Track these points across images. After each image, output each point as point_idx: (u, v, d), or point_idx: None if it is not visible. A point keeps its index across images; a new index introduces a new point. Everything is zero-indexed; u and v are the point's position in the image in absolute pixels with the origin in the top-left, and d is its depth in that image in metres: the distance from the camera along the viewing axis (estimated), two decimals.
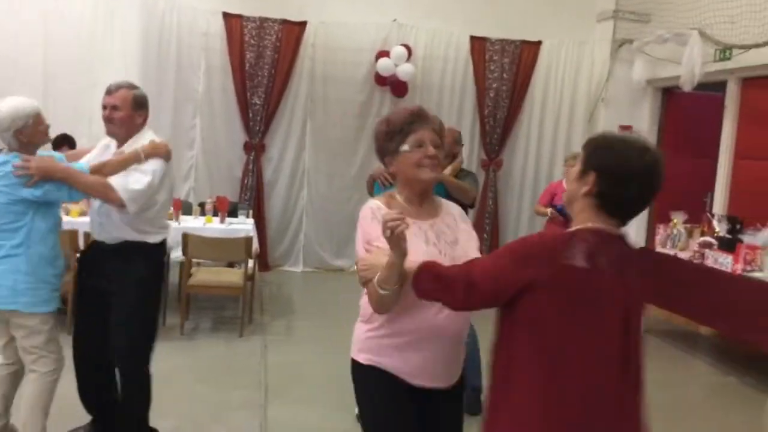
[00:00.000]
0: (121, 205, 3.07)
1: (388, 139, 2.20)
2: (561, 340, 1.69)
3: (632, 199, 1.75)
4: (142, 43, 7.51)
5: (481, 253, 2.21)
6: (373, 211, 2.16)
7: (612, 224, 1.77)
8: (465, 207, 4.05)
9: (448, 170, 4.16)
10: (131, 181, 3.09)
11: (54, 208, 3.16)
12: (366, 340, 2.19)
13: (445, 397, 2.20)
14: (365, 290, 2.09)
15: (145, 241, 3.26)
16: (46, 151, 3.24)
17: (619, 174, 1.73)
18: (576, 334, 1.69)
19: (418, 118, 2.18)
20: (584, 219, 1.77)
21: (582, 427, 1.69)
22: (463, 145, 4.51)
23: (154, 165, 3.16)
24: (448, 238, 2.19)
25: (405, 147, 2.16)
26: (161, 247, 3.37)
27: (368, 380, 2.17)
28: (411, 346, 2.11)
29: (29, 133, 3.02)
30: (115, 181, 3.07)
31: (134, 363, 3.25)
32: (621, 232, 1.80)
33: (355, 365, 2.22)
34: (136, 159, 3.13)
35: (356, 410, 4.03)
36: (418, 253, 2.02)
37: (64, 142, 6.21)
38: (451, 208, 2.32)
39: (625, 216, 1.79)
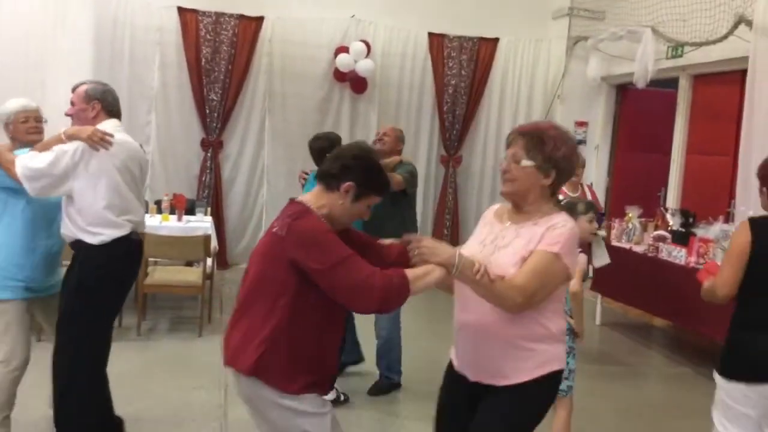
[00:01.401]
0: (20, 183, 2.99)
1: None
2: None
3: None
4: (94, 38, 7.32)
5: None
6: (487, 209, 2.46)
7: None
8: (399, 195, 4.21)
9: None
10: (32, 159, 3.00)
11: (19, 198, 3.10)
12: None
13: (486, 393, 2.26)
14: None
15: (83, 240, 3.08)
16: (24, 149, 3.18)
17: None
18: None
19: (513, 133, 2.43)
20: None
21: None
22: (404, 143, 4.73)
23: (67, 146, 3.03)
24: (500, 243, 2.25)
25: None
26: (104, 249, 3.09)
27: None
28: (457, 336, 2.34)
29: (13, 129, 3.30)
30: (19, 158, 3.01)
31: (65, 376, 3.11)
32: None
33: None
34: (58, 140, 3.07)
35: None
36: (468, 246, 2.34)
37: None
38: (547, 224, 2.19)
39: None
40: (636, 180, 7.89)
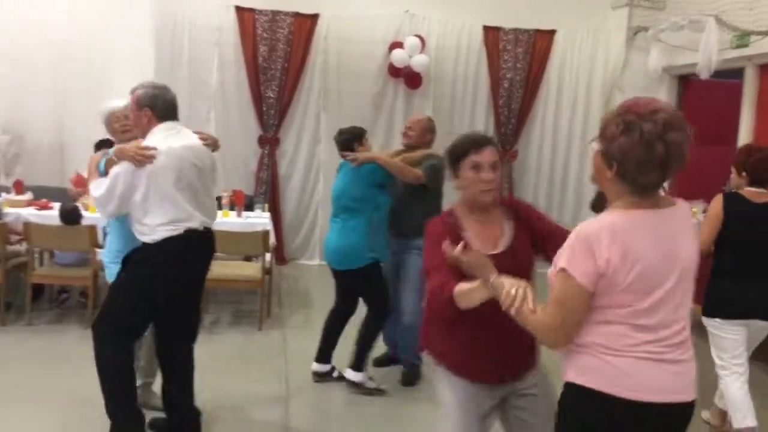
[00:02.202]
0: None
1: None
2: None
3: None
4: (155, 40, 7.52)
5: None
6: None
7: None
8: (419, 189, 4.26)
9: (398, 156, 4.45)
10: (94, 188, 3.29)
11: None
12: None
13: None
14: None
15: (143, 241, 3.29)
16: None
17: None
18: None
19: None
20: None
21: None
22: (435, 133, 4.67)
23: (117, 169, 3.23)
24: None
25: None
26: (165, 243, 3.24)
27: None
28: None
29: (110, 129, 3.65)
30: (90, 188, 3.36)
31: (95, 338, 3.32)
32: None
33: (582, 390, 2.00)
34: (112, 162, 3.27)
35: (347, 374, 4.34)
36: None
37: (103, 145, 6.25)
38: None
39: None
40: (699, 173, 7.54)
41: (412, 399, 4.32)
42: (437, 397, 2.51)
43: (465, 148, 2.43)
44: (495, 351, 2.38)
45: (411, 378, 4.55)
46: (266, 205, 7.05)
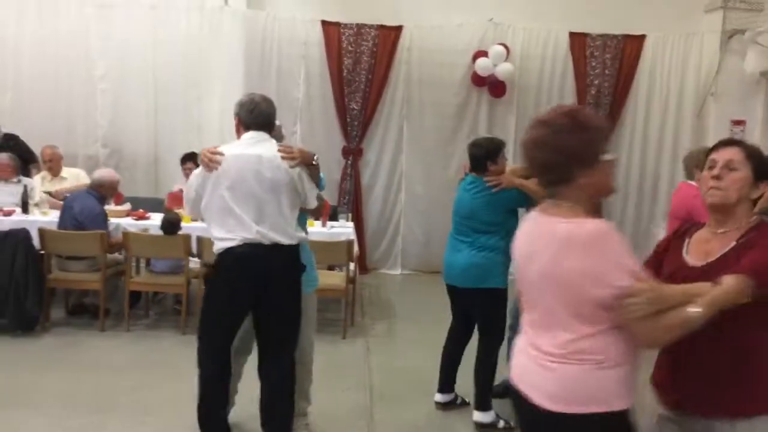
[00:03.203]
0: None
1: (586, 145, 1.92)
2: None
3: None
4: (245, 55, 7.80)
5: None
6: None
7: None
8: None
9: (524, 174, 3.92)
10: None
11: None
12: (621, 384, 1.89)
13: None
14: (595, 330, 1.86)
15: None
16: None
17: None
18: None
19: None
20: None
21: None
22: None
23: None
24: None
25: (607, 156, 1.95)
26: (221, 256, 3.26)
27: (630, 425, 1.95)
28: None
29: None
30: None
31: None
32: None
33: (616, 415, 1.89)
34: None
35: (476, 415, 4.01)
36: None
37: (188, 159, 6.54)
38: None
39: None
40: None
41: None
42: None
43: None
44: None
45: None
46: (350, 215, 7.15)
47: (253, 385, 3.48)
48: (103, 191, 5.76)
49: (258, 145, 3.26)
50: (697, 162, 4.00)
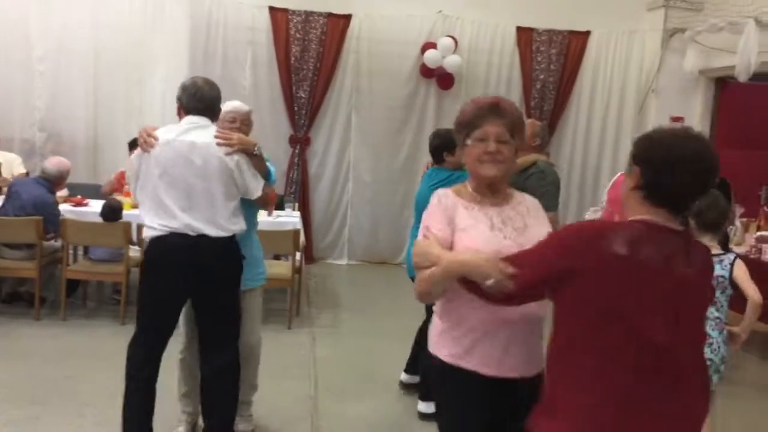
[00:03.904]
0: None
1: (457, 131, 2.23)
2: (604, 327, 1.68)
3: (674, 186, 1.72)
4: (189, 39, 7.63)
5: None
6: (440, 198, 2.19)
7: (661, 215, 1.74)
8: None
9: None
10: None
11: None
12: (443, 335, 2.16)
13: (528, 387, 2.06)
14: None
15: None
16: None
17: (658, 163, 1.73)
18: (616, 321, 1.67)
19: (489, 112, 2.14)
20: (634, 213, 1.78)
21: (620, 419, 1.67)
22: (541, 138, 4.20)
23: (132, 157, 3.25)
24: (516, 224, 2.15)
25: (469, 141, 2.16)
26: (149, 245, 3.14)
27: (450, 380, 2.14)
28: (486, 339, 2.08)
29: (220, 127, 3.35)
30: None
31: None
32: (674, 225, 1.76)
33: (438, 363, 2.16)
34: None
35: (420, 406, 4.04)
36: (479, 237, 2.07)
37: (136, 144, 6.33)
38: (526, 198, 2.28)
39: (672, 206, 1.75)
40: (736, 178, 7.51)
41: None
42: None
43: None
44: None
45: None
46: (296, 204, 7.09)
47: None
48: (53, 180, 5.57)
49: (194, 131, 3.10)
50: None
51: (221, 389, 3.27)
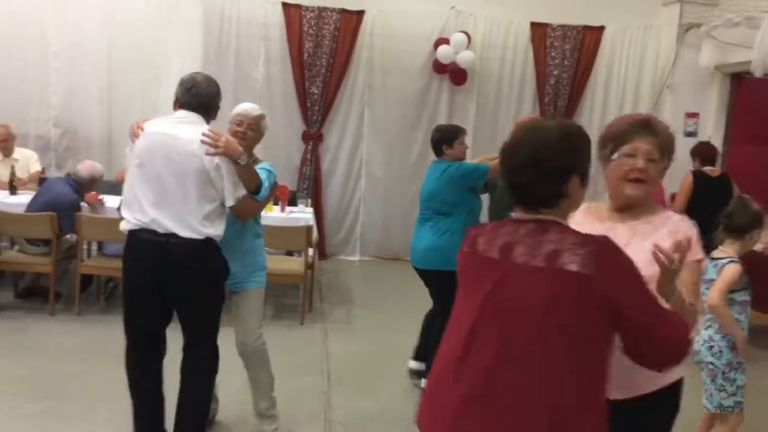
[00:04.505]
0: None
1: (602, 145, 2.10)
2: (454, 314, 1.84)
3: (514, 182, 1.75)
4: (203, 35, 7.63)
5: None
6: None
7: (524, 211, 1.74)
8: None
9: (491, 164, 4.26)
10: None
11: None
12: None
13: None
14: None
15: None
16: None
17: (504, 161, 1.79)
18: (456, 310, 1.82)
19: (641, 128, 2.03)
20: None
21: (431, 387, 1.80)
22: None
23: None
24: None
25: (615, 156, 2.04)
26: (126, 238, 3.05)
27: None
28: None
29: (229, 130, 3.32)
30: None
31: None
32: (539, 217, 1.71)
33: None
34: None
35: (423, 382, 4.11)
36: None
37: None
38: (665, 224, 2.04)
39: (522, 201, 1.75)
40: (752, 174, 7.43)
41: None
42: None
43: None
44: None
45: None
46: (309, 200, 7.10)
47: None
48: (84, 183, 5.64)
49: (181, 126, 2.98)
50: None
51: (190, 392, 3.15)
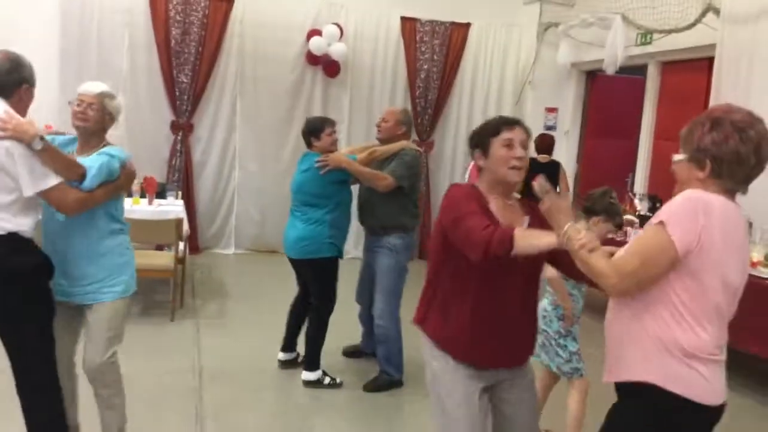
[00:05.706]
0: None
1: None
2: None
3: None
4: (61, 20, 7.22)
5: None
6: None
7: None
8: (397, 191, 4.20)
9: (363, 154, 4.32)
10: None
11: None
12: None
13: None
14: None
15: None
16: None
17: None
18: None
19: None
20: None
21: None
22: (406, 125, 4.46)
23: None
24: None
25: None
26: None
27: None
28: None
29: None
30: None
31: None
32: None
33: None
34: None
35: (304, 374, 4.27)
36: None
37: None
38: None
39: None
40: (604, 165, 8.01)
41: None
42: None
43: (497, 125, 2.44)
44: (495, 334, 2.34)
45: (378, 386, 4.33)
46: (179, 193, 6.89)
47: None
48: None
49: None
50: None
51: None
